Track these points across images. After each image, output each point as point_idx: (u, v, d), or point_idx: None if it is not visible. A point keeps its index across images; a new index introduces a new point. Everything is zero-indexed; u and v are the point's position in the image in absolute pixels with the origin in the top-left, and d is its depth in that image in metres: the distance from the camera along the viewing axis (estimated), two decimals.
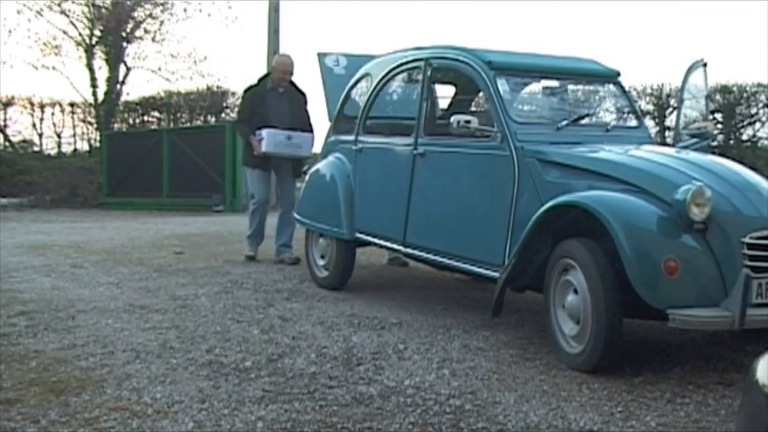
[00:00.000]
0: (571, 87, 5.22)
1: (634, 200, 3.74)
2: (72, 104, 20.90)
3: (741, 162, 4.42)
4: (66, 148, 21.34)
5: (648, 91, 15.41)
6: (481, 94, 5.51)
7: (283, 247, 7.18)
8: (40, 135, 20.94)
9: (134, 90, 21.31)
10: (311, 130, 7.19)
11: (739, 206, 3.67)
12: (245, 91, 7.50)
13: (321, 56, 6.92)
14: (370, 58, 6.12)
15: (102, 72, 19.91)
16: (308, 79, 7.28)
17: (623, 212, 3.65)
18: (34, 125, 20.75)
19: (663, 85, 15.32)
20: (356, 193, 5.68)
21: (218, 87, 20.77)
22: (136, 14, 19.76)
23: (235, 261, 7.27)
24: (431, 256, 4.97)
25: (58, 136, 21.11)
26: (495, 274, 4.27)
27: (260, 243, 7.35)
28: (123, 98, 20.63)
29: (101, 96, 19.89)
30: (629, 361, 3.85)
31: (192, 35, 35.34)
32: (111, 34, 19.39)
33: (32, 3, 18.72)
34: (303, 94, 7.25)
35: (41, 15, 19.04)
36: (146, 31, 20.01)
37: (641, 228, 3.61)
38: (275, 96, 7.08)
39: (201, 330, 4.53)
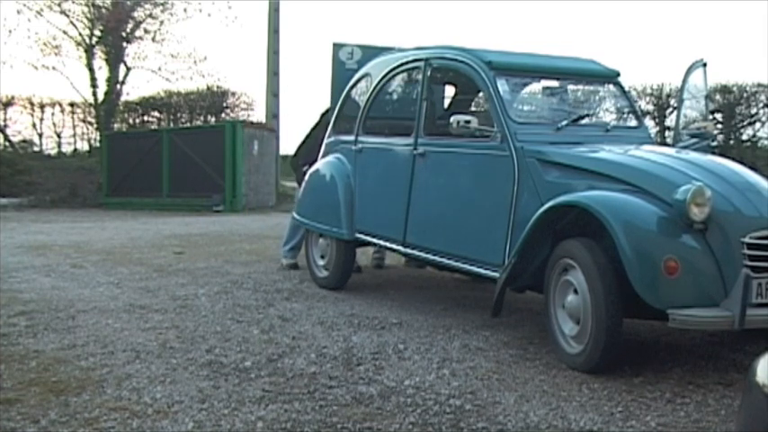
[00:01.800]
0: (571, 87, 5.22)
1: (634, 200, 3.74)
2: (72, 104, 20.92)
3: (741, 162, 4.42)
4: (67, 148, 21.36)
5: (648, 91, 15.43)
6: (481, 94, 5.51)
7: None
8: (40, 135, 20.95)
9: (134, 90, 21.34)
10: None
11: (739, 206, 3.67)
12: (323, 114, 6.86)
13: (336, 47, 6.84)
14: (386, 50, 6.09)
15: (102, 72, 19.92)
16: (313, 72, 7.07)
17: (623, 212, 3.65)
18: (34, 125, 20.76)
19: (663, 85, 15.35)
20: (356, 193, 5.68)
21: (218, 87, 20.79)
22: (136, 14, 19.76)
23: (235, 261, 7.27)
24: (431, 257, 4.97)
25: (58, 136, 21.13)
26: (495, 274, 4.27)
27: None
28: (123, 98, 20.64)
29: (101, 96, 19.89)
30: (629, 361, 3.85)
31: (192, 35, 35.38)
32: (111, 34, 19.39)
33: (32, 3, 18.72)
34: None
35: (41, 15, 19.04)
36: (146, 31, 20.01)
37: (641, 228, 3.61)
38: None
39: (201, 330, 4.53)
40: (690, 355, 4.07)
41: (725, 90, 14.78)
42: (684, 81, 5.93)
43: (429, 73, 5.19)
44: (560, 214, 3.95)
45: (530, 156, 4.29)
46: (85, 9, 19.22)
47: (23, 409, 3.17)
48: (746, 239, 3.54)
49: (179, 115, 21.26)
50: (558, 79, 5.10)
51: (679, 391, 3.47)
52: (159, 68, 20.14)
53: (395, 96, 6.08)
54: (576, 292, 3.78)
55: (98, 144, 19.64)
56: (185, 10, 19.86)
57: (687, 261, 3.51)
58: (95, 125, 20.49)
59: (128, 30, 19.71)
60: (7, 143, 20.39)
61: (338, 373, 3.71)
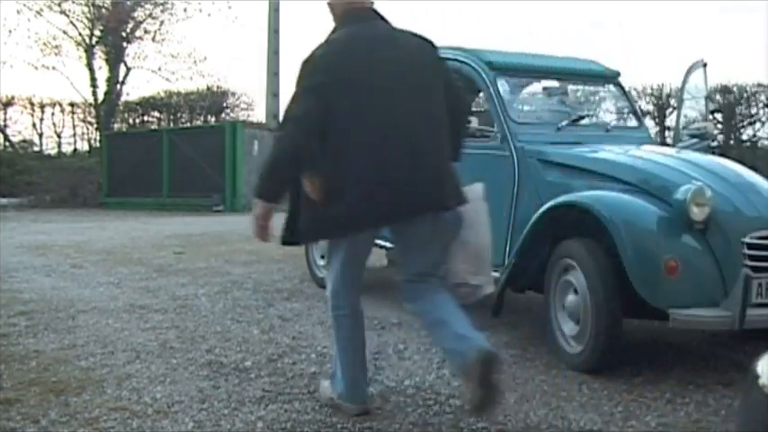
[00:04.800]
0: (571, 88, 5.22)
1: (634, 200, 3.74)
2: (72, 104, 20.91)
3: (741, 162, 4.42)
4: (66, 148, 21.35)
5: (648, 91, 15.42)
6: (481, 94, 5.51)
7: None
8: (40, 135, 20.94)
9: (134, 90, 21.35)
10: None
11: (739, 206, 3.67)
12: None
13: None
14: None
15: (102, 72, 19.94)
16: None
17: (623, 212, 3.65)
18: (34, 125, 20.75)
19: (663, 85, 15.35)
20: None
21: (218, 87, 20.78)
22: (136, 14, 19.78)
23: (235, 261, 7.27)
24: None
25: (58, 136, 21.12)
26: (496, 275, 4.27)
27: None
28: (123, 98, 20.65)
29: (101, 96, 19.90)
30: (629, 361, 3.84)
31: (192, 35, 35.35)
32: (111, 34, 19.40)
33: (32, 3, 18.73)
34: None
35: (41, 15, 19.06)
36: (146, 31, 20.03)
37: (641, 228, 3.61)
38: None
39: (201, 330, 4.53)
40: (690, 355, 4.07)
41: (725, 90, 14.77)
42: (684, 81, 5.93)
43: None
44: (560, 214, 3.95)
45: (530, 156, 4.29)
46: (85, 9, 19.24)
47: (23, 409, 3.17)
48: (747, 239, 3.54)
49: (179, 115, 21.25)
50: (558, 79, 5.10)
51: (679, 391, 3.47)
52: (159, 68, 20.17)
53: None
54: (576, 292, 3.78)
55: (98, 144, 19.64)
56: (185, 10, 19.89)
57: (687, 261, 3.51)
58: (95, 125, 20.49)
59: (128, 30, 19.73)
60: (7, 143, 20.39)
61: None
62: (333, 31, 3.11)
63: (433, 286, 3.12)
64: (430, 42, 3.15)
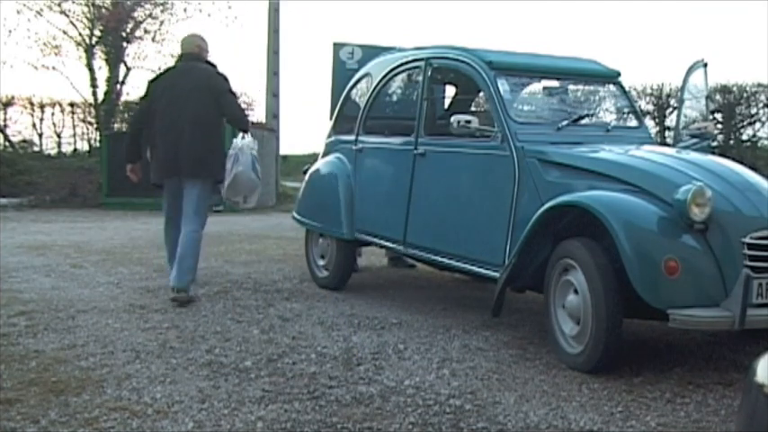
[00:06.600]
0: (571, 87, 5.22)
1: (634, 200, 3.74)
2: (72, 104, 20.86)
3: (741, 162, 4.42)
4: (66, 148, 21.30)
5: (648, 91, 15.42)
6: (481, 94, 5.51)
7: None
8: (40, 135, 20.90)
9: (134, 90, 21.28)
10: None
11: (739, 206, 3.67)
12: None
13: (337, 47, 6.85)
14: (386, 50, 6.10)
15: (102, 72, 19.88)
16: (313, 72, 7.18)
17: (623, 212, 3.65)
18: (34, 125, 20.72)
19: (663, 85, 15.35)
20: (356, 192, 5.68)
21: None
22: (136, 14, 19.73)
23: (234, 261, 7.27)
24: (431, 256, 4.97)
25: (58, 136, 21.08)
26: (496, 274, 4.27)
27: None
28: (123, 98, 20.60)
29: (101, 96, 19.87)
30: (629, 361, 3.85)
31: None
32: (111, 34, 19.36)
33: (32, 3, 18.70)
34: None
35: (41, 15, 19.03)
36: (146, 31, 19.97)
37: (641, 228, 3.61)
38: None
39: (201, 330, 4.53)
40: (690, 355, 4.07)
41: (725, 90, 14.78)
42: (685, 81, 5.94)
43: (429, 73, 5.19)
44: (560, 214, 3.95)
45: (530, 156, 4.29)
46: (85, 9, 19.20)
47: (23, 409, 3.17)
48: (747, 239, 3.55)
49: None
50: (558, 79, 5.10)
51: (679, 391, 3.47)
52: (159, 68, 20.11)
53: (395, 96, 6.08)
54: (576, 292, 3.78)
55: (98, 144, 19.61)
56: (185, 10, 19.82)
57: (687, 261, 3.51)
58: (95, 125, 20.45)
59: (128, 30, 19.68)
60: (7, 143, 20.36)
61: (338, 373, 3.71)
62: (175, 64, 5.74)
63: (188, 222, 5.43)
64: (215, 72, 5.47)
